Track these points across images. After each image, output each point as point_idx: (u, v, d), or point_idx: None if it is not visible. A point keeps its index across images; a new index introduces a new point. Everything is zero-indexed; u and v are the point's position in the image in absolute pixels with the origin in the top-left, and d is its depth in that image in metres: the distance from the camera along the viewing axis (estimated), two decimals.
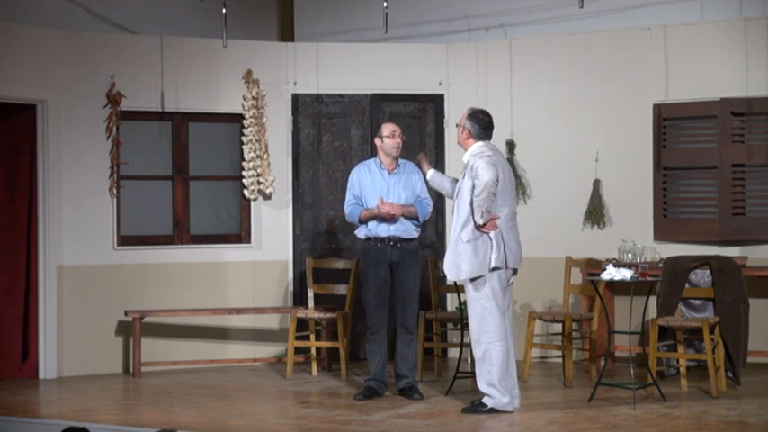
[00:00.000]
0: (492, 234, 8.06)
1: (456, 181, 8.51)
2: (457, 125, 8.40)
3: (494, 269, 8.07)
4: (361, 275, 9.09)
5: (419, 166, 8.87)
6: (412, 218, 8.92)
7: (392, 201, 8.89)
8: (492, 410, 8.08)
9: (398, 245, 8.88)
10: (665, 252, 10.06)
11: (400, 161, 9.06)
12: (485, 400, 8.12)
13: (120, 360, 10.51)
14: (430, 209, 9.03)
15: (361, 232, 8.99)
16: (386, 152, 8.96)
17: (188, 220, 10.86)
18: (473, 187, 8.08)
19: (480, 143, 8.27)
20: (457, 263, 8.13)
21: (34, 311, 10.18)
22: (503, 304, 8.14)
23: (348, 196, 9.04)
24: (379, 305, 8.89)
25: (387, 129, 8.99)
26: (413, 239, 8.95)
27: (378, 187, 8.92)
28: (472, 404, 8.23)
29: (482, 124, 8.30)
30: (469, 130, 8.29)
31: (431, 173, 8.72)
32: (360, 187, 8.98)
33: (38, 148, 10.21)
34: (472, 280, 8.11)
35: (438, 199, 11.19)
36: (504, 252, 8.12)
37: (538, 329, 10.18)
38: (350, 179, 9.07)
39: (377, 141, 9.03)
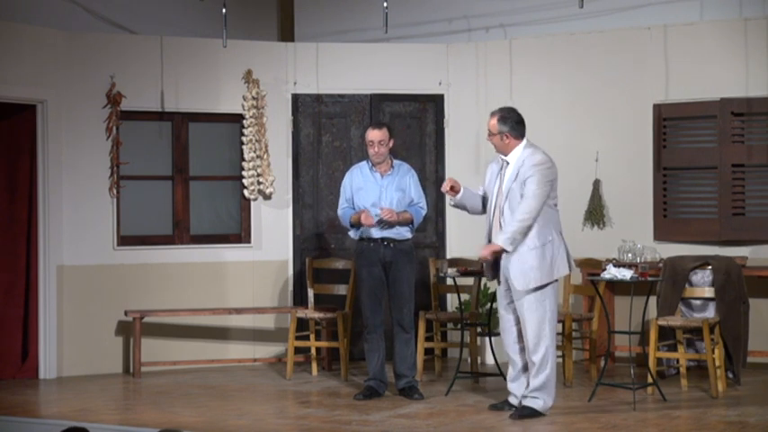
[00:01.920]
0: (557, 238, 7.97)
1: (480, 192, 8.30)
2: (490, 135, 8.12)
3: (563, 276, 8.07)
4: (356, 275, 9.10)
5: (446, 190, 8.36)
6: (406, 224, 8.92)
7: (385, 203, 8.88)
8: (538, 414, 7.98)
9: (391, 245, 8.89)
10: (665, 252, 10.06)
11: (395, 162, 9.05)
12: (530, 402, 8.02)
13: (120, 360, 10.51)
14: (423, 212, 9.02)
15: (354, 233, 9.01)
16: (370, 157, 8.97)
17: (188, 220, 10.86)
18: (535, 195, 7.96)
19: (524, 143, 8.08)
20: (524, 271, 7.95)
21: (34, 311, 10.18)
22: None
23: (341, 200, 9.06)
24: (374, 305, 8.90)
25: (367, 137, 8.94)
26: (406, 240, 8.95)
27: (371, 189, 8.92)
28: (518, 409, 8.09)
29: (516, 119, 8.08)
30: (509, 134, 8.06)
31: (460, 195, 8.26)
32: (352, 190, 8.98)
33: (38, 149, 10.21)
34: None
35: (438, 199, 11.20)
36: (567, 254, 8.08)
37: None
38: (342, 182, 9.09)
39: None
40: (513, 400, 8.26)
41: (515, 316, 8.12)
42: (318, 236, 11.13)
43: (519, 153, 8.06)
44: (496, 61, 11.14)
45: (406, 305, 8.89)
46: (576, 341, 9.95)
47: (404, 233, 8.93)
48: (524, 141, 8.12)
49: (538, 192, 7.91)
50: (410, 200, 8.96)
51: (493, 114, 8.16)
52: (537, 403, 8.01)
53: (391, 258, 8.88)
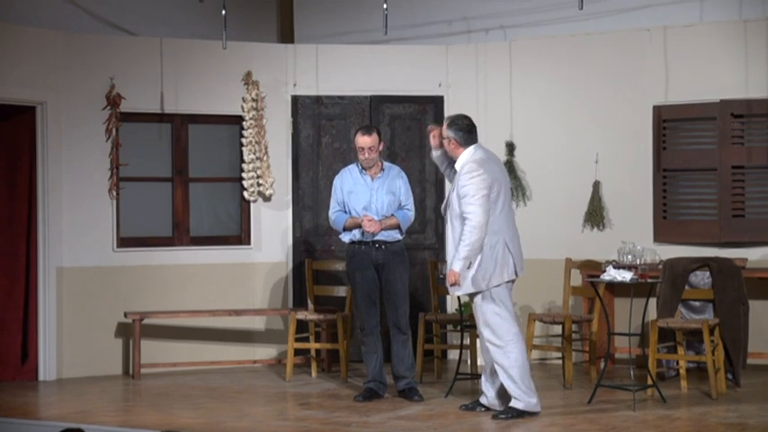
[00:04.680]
0: (496, 245, 8.01)
1: (452, 167, 8.37)
2: (443, 138, 8.32)
3: (499, 285, 8.06)
4: (349, 279, 9.12)
5: (430, 137, 8.53)
6: (393, 229, 8.91)
7: (375, 206, 8.88)
8: (523, 413, 8.02)
9: (383, 247, 8.89)
10: (665, 254, 10.06)
11: (385, 164, 9.05)
12: (513, 403, 8.06)
13: (119, 362, 10.51)
14: (411, 215, 9.01)
15: (345, 236, 9.02)
16: (360, 162, 8.97)
17: (188, 222, 10.86)
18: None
19: (470, 149, 8.20)
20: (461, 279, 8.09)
21: (34, 313, 10.17)
22: (510, 306, 8.14)
23: (332, 203, 9.08)
24: (369, 307, 8.91)
25: (357, 142, 8.91)
26: (397, 241, 8.95)
27: (362, 193, 8.92)
28: (502, 410, 8.13)
29: (464, 128, 8.23)
30: (455, 140, 8.23)
31: (438, 152, 8.48)
32: (343, 193, 8.99)
33: (37, 150, 10.20)
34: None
35: (437, 200, 11.20)
36: (514, 263, 8.11)
37: (537, 331, 10.18)
38: (333, 186, 9.10)
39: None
40: (483, 401, 8.34)
41: None
42: (318, 237, 11.13)
43: (462, 160, 8.21)
44: (496, 63, 11.14)
45: (401, 306, 8.89)
46: (575, 343, 9.95)
47: (394, 235, 8.94)
48: (471, 148, 8.22)
49: (479, 211, 7.97)
50: (400, 203, 8.97)
51: (446, 119, 8.39)
52: (518, 404, 8.06)
53: (383, 260, 8.89)
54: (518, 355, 8.05)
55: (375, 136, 8.90)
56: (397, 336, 8.90)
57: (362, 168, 8.98)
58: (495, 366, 8.09)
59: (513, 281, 8.17)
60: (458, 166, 8.23)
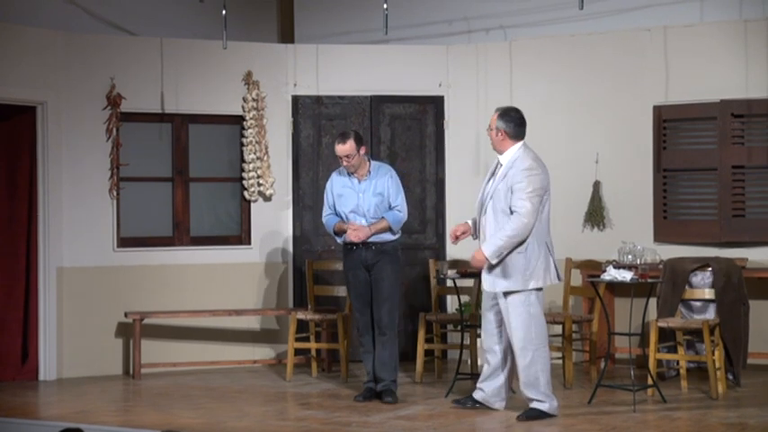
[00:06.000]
0: (537, 249, 7.97)
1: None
2: (489, 129, 8.19)
3: (540, 288, 8.03)
4: (344, 279, 9.11)
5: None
6: (384, 232, 8.88)
7: (363, 208, 8.84)
8: (546, 415, 7.99)
9: (373, 247, 8.85)
10: (666, 254, 10.06)
11: (373, 164, 8.99)
12: (537, 405, 8.02)
13: (119, 362, 10.51)
14: (401, 215, 8.89)
15: (339, 238, 9.01)
16: None
17: (188, 222, 10.86)
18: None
19: (519, 145, 8.10)
20: (494, 274, 8.02)
21: (34, 313, 10.18)
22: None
23: (324, 206, 9.06)
24: (362, 307, 8.91)
25: (336, 150, 8.86)
26: (389, 242, 8.91)
27: (349, 196, 8.88)
28: (525, 411, 8.08)
29: (516, 121, 8.10)
30: (505, 131, 8.10)
31: (488, 252, 7.97)
32: (333, 196, 8.97)
33: (38, 150, 10.21)
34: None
35: (437, 200, 11.20)
36: (555, 267, 8.11)
37: None
38: (325, 189, 9.08)
39: None
40: (477, 396, 8.33)
41: (499, 318, 8.17)
42: (318, 237, 11.13)
43: (512, 154, 8.10)
44: (496, 63, 11.14)
45: (384, 305, 8.82)
46: (576, 343, 9.95)
47: (385, 237, 8.88)
48: (520, 144, 8.14)
49: (530, 208, 7.93)
50: (389, 203, 8.89)
51: (497, 110, 8.24)
52: (543, 405, 8.04)
53: (373, 260, 8.86)
54: (547, 358, 8.06)
55: (351, 143, 8.78)
56: (378, 337, 8.83)
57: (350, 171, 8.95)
58: (522, 368, 8.01)
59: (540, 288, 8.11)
60: (504, 159, 8.09)
